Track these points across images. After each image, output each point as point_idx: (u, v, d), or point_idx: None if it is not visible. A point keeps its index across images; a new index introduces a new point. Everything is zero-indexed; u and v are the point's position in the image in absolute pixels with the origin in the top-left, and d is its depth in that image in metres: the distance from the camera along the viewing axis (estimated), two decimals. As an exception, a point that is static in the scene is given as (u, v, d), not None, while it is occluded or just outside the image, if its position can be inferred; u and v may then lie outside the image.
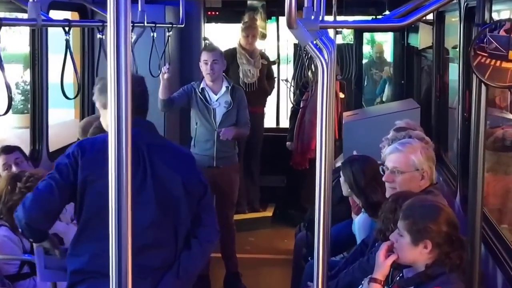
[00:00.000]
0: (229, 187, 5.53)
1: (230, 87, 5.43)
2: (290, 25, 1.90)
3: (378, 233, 3.10)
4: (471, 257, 2.58)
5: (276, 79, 7.94)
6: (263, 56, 7.15)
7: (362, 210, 3.96)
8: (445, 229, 2.63)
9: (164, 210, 2.88)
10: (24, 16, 4.01)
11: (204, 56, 5.37)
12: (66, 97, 3.36)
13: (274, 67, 7.95)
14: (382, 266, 2.73)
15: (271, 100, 7.98)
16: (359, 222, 3.95)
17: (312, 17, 2.29)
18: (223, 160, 5.43)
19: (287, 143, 6.97)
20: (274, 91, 7.92)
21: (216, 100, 5.40)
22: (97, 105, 3.08)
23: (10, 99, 2.61)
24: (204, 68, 5.35)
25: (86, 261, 2.84)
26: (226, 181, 5.48)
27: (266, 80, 7.15)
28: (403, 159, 3.45)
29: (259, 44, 7.45)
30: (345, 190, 4.06)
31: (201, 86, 5.40)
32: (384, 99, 9.84)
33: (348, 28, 7.33)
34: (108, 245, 2.96)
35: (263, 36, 7.71)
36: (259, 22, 7.42)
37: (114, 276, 1.12)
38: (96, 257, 2.81)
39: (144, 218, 2.84)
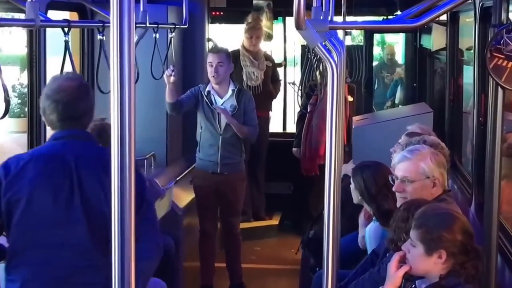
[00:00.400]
0: (234, 195, 5.52)
1: (236, 90, 5.43)
2: (298, 26, 1.90)
3: (389, 243, 3.09)
4: (486, 268, 2.58)
5: (282, 82, 7.94)
6: (267, 58, 7.15)
7: (374, 218, 3.96)
8: (460, 238, 2.62)
9: (94, 229, 2.77)
10: (21, 16, 4.02)
11: (209, 58, 5.37)
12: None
13: (281, 70, 7.95)
14: (394, 277, 2.72)
15: (277, 104, 7.98)
16: (370, 231, 3.94)
17: (321, 17, 2.30)
18: (228, 167, 5.43)
19: (294, 149, 6.96)
20: (281, 94, 7.92)
21: (221, 104, 5.39)
22: None
23: (8, 102, 2.63)
24: (209, 71, 5.35)
25: (18, 287, 2.79)
26: (230, 188, 5.48)
27: (271, 83, 7.15)
28: (413, 167, 3.43)
29: (265, 46, 7.46)
30: (356, 197, 4.05)
31: (207, 89, 5.40)
32: (396, 102, 9.83)
33: (358, 29, 7.35)
34: (38, 270, 2.90)
35: (269, 37, 7.71)
36: (264, 22, 7.42)
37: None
38: (27, 283, 2.78)
39: (74, 238, 2.75)
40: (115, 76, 1.11)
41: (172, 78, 5.04)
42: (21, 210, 2.75)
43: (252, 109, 5.48)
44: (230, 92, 5.41)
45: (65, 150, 2.80)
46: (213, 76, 5.32)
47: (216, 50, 5.49)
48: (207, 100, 5.37)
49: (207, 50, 6.84)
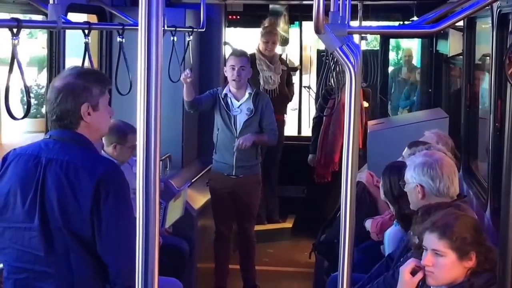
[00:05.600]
0: (248, 198, 5.53)
1: (253, 94, 5.43)
2: (318, 30, 1.91)
3: (413, 246, 3.08)
4: (503, 274, 2.57)
5: (298, 86, 7.96)
6: (282, 61, 7.16)
7: (394, 222, 3.98)
8: (484, 235, 2.72)
9: (47, 237, 2.67)
10: (39, 18, 4.05)
11: (232, 61, 5.37)
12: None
13: (296, 74, 7.96)
14: (409, 284, 2.72)
15: (292, 108, 7.99)
16: (390, 234, 3.96)
17: (338, 22, 2.31)
18: (243, 169, 5.44)
19: (309, 156, 6.91)
20: (296, 98, 7.93)
21: (238, 107, 5.41)
22: None
23: (29, 103, 2.64)
24: (230, 74, 5.36)
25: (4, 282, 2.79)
26: (246, 191, 5.49)
27: (285, 86, 7.16)
28: None
29: (281, 50, 7.46)
30: (382, 194, 4.09)
31: (224, 92, 5.41)
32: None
33: (377, 33, 7.36)
34: (10, 269, 2.94)
35: (285, 41, 7.72)
36: (281, 26, 7.44)
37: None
38: (6, 280, 2.78)
39: (32, 244, 2.70)
40: (142, 79, 1.13)
41: (189, 79, 5.10)
42: (0, 207, 2.73)
43: (271, 113, 5.48)
44: (247, 95, 5.42)
45: (43, 151, 2.70)
46: (235, 80, 5.34)
47: (238, 53, 5.48)
48: (223, 103, 5.39)
49: (223, 53, 6.87)
